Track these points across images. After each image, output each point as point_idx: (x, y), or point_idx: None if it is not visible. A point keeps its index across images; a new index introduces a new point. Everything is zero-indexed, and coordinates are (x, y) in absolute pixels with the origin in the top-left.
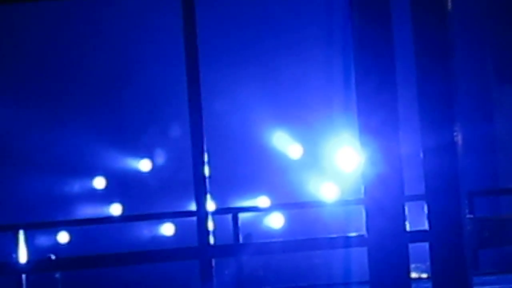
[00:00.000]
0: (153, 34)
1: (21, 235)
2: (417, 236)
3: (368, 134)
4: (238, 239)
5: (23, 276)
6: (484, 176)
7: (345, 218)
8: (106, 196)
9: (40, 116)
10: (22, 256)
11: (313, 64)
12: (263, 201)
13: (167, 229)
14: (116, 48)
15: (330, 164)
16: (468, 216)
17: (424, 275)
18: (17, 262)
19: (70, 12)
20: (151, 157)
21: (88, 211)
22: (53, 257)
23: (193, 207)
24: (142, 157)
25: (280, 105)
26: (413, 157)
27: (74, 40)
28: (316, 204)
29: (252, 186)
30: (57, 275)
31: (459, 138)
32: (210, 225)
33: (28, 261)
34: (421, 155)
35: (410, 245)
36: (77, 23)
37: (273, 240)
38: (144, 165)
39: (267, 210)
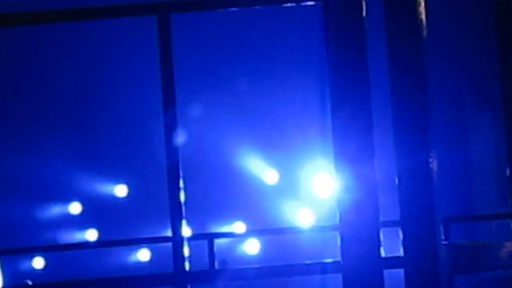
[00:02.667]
0: (128, 59)
1: None
2: (392, 262)
3: (343, 160)
4: (214, 265)
5: None
6: (460, 202)
7: (321, 244)
8: (81, 222)
9: (14, 141)
10: None
11: (289, 90)
12: (239, 227)
13: (143, 254)
14: (91, 72)
15: (306, 190)
16: (443, 242)
17: None
18: None
19: (43, 35)
20: (127, 182)
21: (64, 236)
22: (29, 282)
23: (169, 232)
24: (118, 182)
25: (256, 131)
26: (389, 184)
27: (49, 64)
28: (292, 230)
29: (228, 212)
30: None
31: (434, 164)
32: (186, 251)
33: (4, 287)
34: (396, 181)
35: (385, 272)
36: (52, 47)
37: (249, 266)
38: (120, 190)
39: (243, 236)
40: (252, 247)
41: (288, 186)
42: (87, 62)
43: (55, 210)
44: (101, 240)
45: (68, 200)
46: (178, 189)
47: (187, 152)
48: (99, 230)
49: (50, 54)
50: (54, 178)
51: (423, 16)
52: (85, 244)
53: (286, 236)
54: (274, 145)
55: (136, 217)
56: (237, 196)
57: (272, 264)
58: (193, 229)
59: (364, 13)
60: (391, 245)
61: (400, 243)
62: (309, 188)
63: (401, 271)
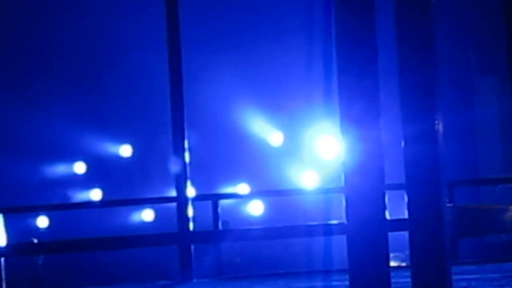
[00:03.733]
0: (135, 20)
1: (0, 219)
2: (397, 225)
3: (349, 122)
4: (217, 226)
5: (2, 260)
6: (465, 166)
7: (326, 206)
8: (86, 181)
9: (21, 101)
10: (2, 239)
11: (294, 52)
12: (243, 188)
13: (147, 215)
14: (98, 33)
15: (310, 152)
16: (448, 205)
17: (404, 264)
18: None
19: None
20: (131, 142)
21: (68, 195)
22: (35, 240)
23: (173, 193)
24: (123, 142)
25: (261, 93)
26: (394, 146)
27: (56, 26)
28: (296, 192)
29: (232, 173)
30: (39, 261)
31: (440, 127)
32: (190, 212)
33: (8, 245)
34: (402, 144)
35: (390, 234)
36: (59, 7)
37: (253, 227)
38: (125, 150)
39: (247, 197)
40: (256, 208)
41: (293, 148)
42: (95, 23)
43: (60, 169)
44: (106, 200)
45: (73, 159)
46: (183, 150)
47: (192, 113)
48: (103, 189)
49: (57, 14)
50: (59, 137)
51: None
52: (90, 204)
53: (290, 198)
54: (279, 107)
55: (140, 177)
56: (241, 157)
57: (276, 226)
58: (197, 190)
59: None
60: (397, 207)
61: (405, 206)
62: (313, 150)
63: (405, 234)
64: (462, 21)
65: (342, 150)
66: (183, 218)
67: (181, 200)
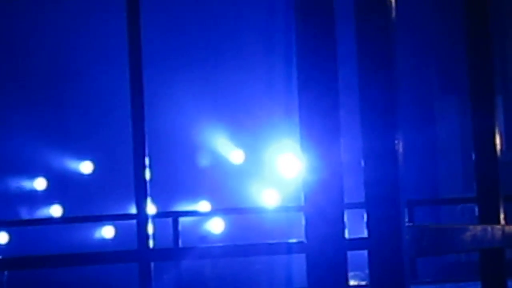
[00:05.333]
0: (97, 35)
1: None
2: (356, 243)
3: (309, 140)
4: (178, 243)
5: None
6: (425, 185)
7: (286, 224)
8: (46, 197)
9: None
10: None
11: (255, 70)
12: (204, 205)
13: (107, 231)
14: (59, 49)
15: (271, 170)
16: (407, 224)
17: (363, 283)
18: None
19: (11, 8)
20: (92, 159)
21: (28, 211)
22: None
23: (133, 210)
24: (84, 159)
25: (222, 111)
26: (354, 165)
27: (16, 38)
28: (257, 210)
29: (193, 191)
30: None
31: (400, 146)
32: (150, 229)
33: None
34: (362, 162)
35: (350, 253)
36: (19, 20)
37: (213, 245)
38: (86, 167)
39: (207, 215)
40: (216, 226)
41: (254, 166)
42: (55, 38)
43: (19, 185)
44: (66, 216)
45: (33, 175)
46: (144, 167)
47: (153, 130)
48: (63, 206)
49: (17, 27)
50: (20, 153)
51: None
52: (50, 220)
53: (251, 215)
54: (240, 125)
55: (101, 194)
56: (202, 175)
57: (236, 243)
58: (158, 207)
59: None
60: (356, 226)
61: (364, 225)
62: (274, 168)
63: (365, 252)
64: (423, 40)
65: (302, 168)
66: (143, 235)
67: (141, 217)
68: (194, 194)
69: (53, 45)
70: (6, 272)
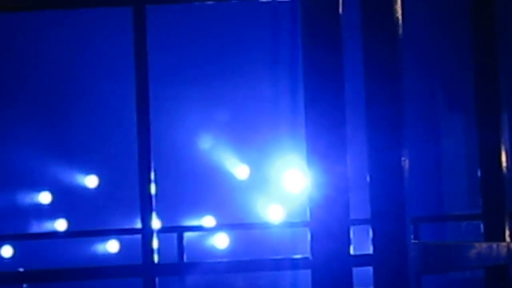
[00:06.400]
0: (103, 49)
1: None
2: (362, 260)
3: (315, 156)
4: (182, 258)
5: None
6: (430, 202)
7: (291, 240)
8: (51, 211)
9: None
10: None
11: (261, 85)
12: (208, 221)
13: (112, 246)
14: (65, 62)
15: (276, 185)
16: (413, 241)
17: None
18: None
19: (16, 22)
20: (97, 173)
21: (33, 226)
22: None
23: (138, 224)
24: (89, 173)
25: (228, 126)
26: (360, 181)
27: (21, 52)
28: (262, 226)
29: (198, 206)
30: None
31: (406, 163)
32: (155, 243)
33: None
34: (368, 179)
35: (355, 269)
36: (25, 34)
37: (218, 260)
38: (91, 181)
39: (212, 230)
40: (221, 241)
41: (259, 182)
42: (61, 52)
43: (25, 199)
44: (71, 231)
45: (38, 189)
46: (149, 181)
47: (158, 145)
48: (68, 220)
49: (22, 41)
50: (25, 166)
51: (399, 14)
52: (54, 234)
53: (256, 231)
54: (246, 141)
55: (106, 208)
56: (207, 190)
57: (241, 259)
58: (162, 222)
59: (340, 9)
60: (361, 243)
61: (370, 241)
62: (279, 184)
63: (370, 269)
64: (430, 57)
65: (308, 184)
66: (148, 250)
67: (146, 231)
68: (199, 209)
69: (59, 59)
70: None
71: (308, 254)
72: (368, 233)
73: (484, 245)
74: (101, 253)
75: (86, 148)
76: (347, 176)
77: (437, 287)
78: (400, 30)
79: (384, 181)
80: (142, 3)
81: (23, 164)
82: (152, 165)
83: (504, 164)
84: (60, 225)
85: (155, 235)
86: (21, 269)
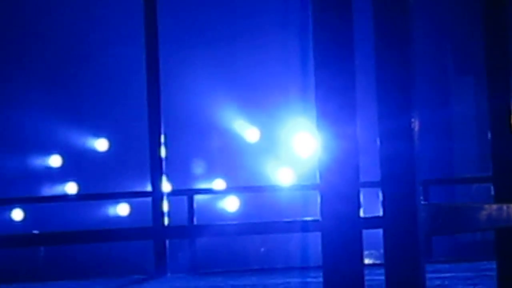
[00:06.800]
0: (113, 15)
1: None
2: (371, 222)
3: (325, 119)
4: (192, 221)
5: None
6: (440, 164)
7: (301, 202)
8: (62, 175)
9: None
10: None
11: (271, 49)
12: (219, 184)
13: (122, 209)
14: (75, 28)
15: (286, 149)
16: (422, 203)
17: (378, 262)
18: None
19: None
20: (108, 136)
21: (44, 189)
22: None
23: (148, 187)
24: (99, 136)
25: (238, 89)
26: (370, 144)
27: (32, 21)
28: (272, 189)
29: (208, 169)
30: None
31: (416, 125)
32: (165, 206)
33: None
34: (378, 142)
35: (364, 232)
36: (35, 4)
37: (228, 222)
38: (101, 144)
39: (222, 193)
40: (231, 204)
41: (269, 144)
42: (71, 18)
43: (35, 162)
44: (81, 194)
45: (48, 152)
46: (159, 144)
47: (168, 109)
48: (79, 183)
49: (33, 10)
50: (35, 130)
51: None
52: (65, 197)
53: (266, 194)
54: (256, 104)
55: (116, 171)
56: (217, 153)
57: (251, 221)
58: (173, 185)
59: None
60: (371, 205)
61: (379, 204)
62: (289, 147)
63: (380, 231)
64: (440, 21)
65: (318, 147)
66: (158, 213)
67: (157, 194)
68: (209, 172)
69: (70, 24)
70: (42, 248)
71: (318, 217)
72: (377, 197)
73: (495, 206)
74: (111, 216)
75: (96, 111)
76: (357, 138)
77: (447, 249)
78: None
79: (394, 144)
80: None
81: (34, 128)
82: (162, 128)
83: None
84: (71, 188)
85: (165, 198)
86: (35, 231)
